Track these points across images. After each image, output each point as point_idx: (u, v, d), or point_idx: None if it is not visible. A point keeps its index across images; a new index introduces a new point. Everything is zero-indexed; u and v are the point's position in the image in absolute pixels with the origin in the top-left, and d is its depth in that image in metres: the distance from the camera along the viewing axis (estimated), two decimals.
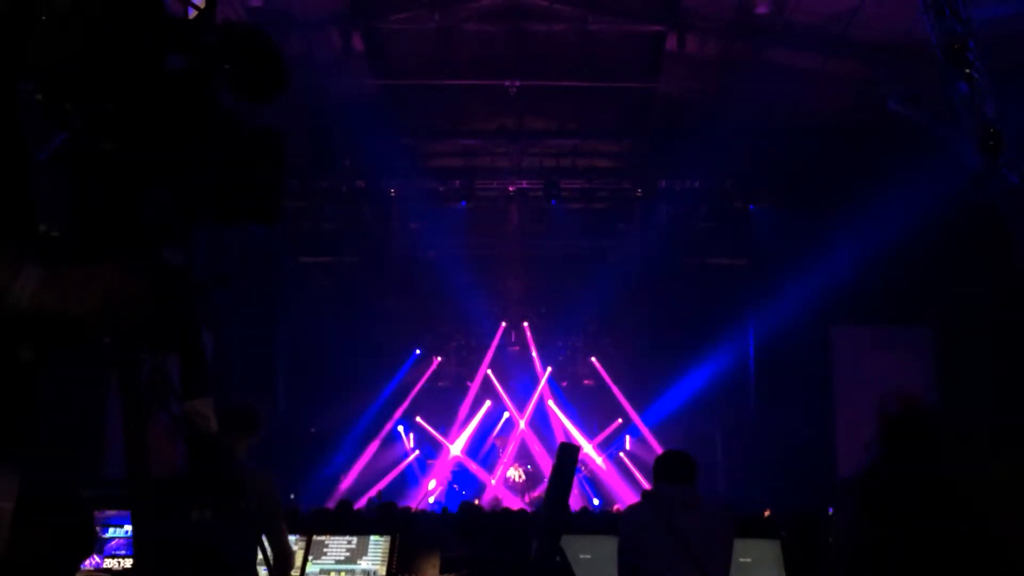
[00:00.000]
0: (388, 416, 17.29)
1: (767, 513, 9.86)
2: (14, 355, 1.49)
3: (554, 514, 3.42)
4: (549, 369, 18.20)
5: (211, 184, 1.81)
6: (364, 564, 4.43)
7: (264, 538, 3.59)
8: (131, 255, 1.59)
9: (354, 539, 4.51)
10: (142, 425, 1.60)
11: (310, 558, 4.41)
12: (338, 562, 4.45)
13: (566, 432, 17.51)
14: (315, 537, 4.48)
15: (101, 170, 1.60)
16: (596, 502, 16.68)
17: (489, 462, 18.01)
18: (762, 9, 11.48)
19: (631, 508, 4.50)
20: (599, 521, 10.15)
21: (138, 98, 1.65)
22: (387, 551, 4.44)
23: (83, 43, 1.55)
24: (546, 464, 17.18)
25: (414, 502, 15.71)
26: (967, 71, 9.36)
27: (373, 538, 4.50)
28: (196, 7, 1.77)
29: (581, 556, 4.53)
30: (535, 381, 18.14)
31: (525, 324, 18.31)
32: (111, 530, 4.08)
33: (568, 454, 3.38)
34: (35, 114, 1.61)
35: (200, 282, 1.74)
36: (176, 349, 1.71)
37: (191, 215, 1.79)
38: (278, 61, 1.90)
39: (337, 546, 4.47)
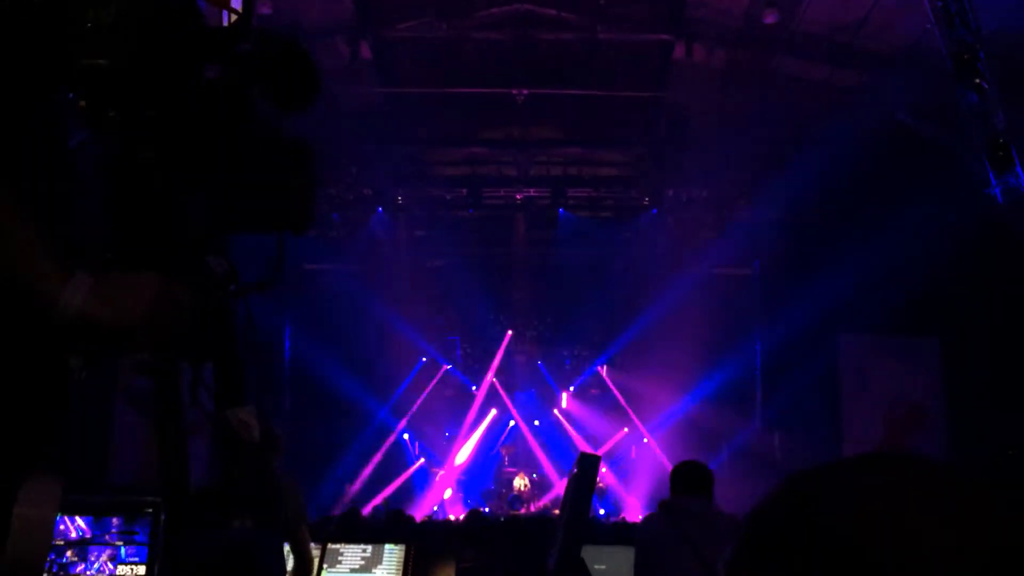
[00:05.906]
0: (393, 424, 17.25)
1: None
2: (64, 363, 1.48)
3: (574, 524, 3.39)
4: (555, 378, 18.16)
5: (246, 192, 1.81)
6: (379, 573, 4.41)
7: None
8: (176, 263, 1.59)
9: (369, 548, 4.48)
10: (182, 435, 1.60)
11: (325, 566, 4.39)
12: (353, 571, 4.43)
13: (572, 440, 17.46)
14: (330, 545, 4.47)
15: (143, 178, 1.60)
16: (602, 512, 16.61)
17: (494, 470, 17.95)
18: (770, 19, 11.50)
19: (647, 519, 4.48)
20: (614, 531, 10.10)
21: (179, 106, 1.65)
22: (402, 560, 4.42)
23: (127, 51, 1.55)
24: (552, 473, 17.13)
25: (421, 511, 15.66)
26: (976, 81, 9.34)
27: (388, 547, 4.47)
28: (235, 11, 1.77)
29: (596, 566, 4.52)
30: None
31: (531, 332, 18.29)
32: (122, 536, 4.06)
33: (589, 464, 3.36)
34: (75, 122, 1.61)
35: (238, 289, 1.74)
36: (214, 357, 1.70)
37: (227, 223, 1.79)
38: (313, 70, 1.91)
39: (352, 554, 4.45)
